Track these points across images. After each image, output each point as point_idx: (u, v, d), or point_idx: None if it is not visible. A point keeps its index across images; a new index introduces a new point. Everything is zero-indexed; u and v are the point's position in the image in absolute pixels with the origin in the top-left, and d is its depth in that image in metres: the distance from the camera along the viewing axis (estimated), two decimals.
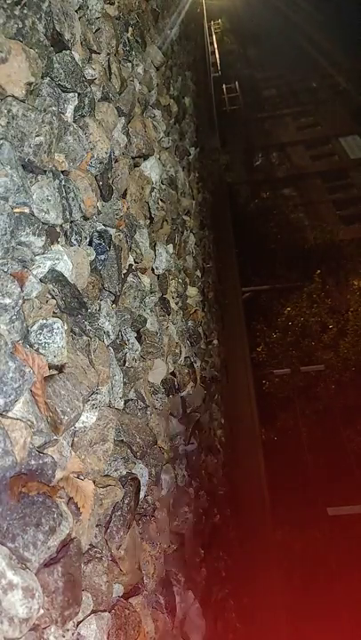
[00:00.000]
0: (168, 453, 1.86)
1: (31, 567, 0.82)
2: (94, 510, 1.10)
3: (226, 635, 2.72)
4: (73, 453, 1.08)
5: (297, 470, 10.98)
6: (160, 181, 2.35)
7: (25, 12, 1.11)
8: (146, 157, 2.11)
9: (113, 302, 1.51)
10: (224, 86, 18.61)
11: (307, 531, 10.53)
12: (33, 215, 1.07)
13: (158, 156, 2.40)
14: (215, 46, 17.54)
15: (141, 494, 1.47)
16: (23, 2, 1.08)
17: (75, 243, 1.27)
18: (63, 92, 1.28)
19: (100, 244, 1.41)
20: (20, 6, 1.08)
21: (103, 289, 1.44)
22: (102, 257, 1.44)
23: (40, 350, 0.99)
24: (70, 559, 0.93)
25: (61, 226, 1.20)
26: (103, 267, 1.46)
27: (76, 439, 1.12)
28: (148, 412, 1.69)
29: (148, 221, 2.09)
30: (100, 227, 1.46)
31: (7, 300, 0.88)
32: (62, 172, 1.24)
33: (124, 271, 1.68)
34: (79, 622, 0.97)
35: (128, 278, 1.70)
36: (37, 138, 1.08)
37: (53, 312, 1.07)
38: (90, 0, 1.58)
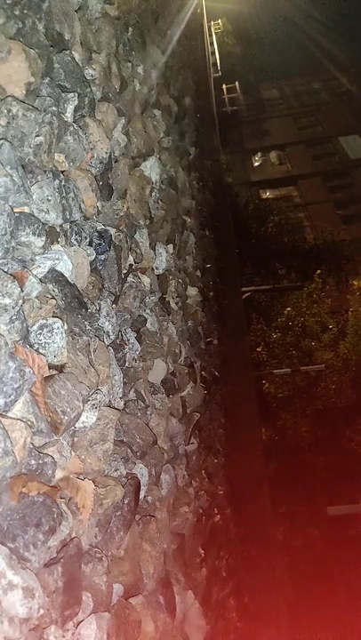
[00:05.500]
0: (168, 453, 1.86)
1: (31, 567, 0.82)
2: (94, 510, 1.10)
3: (226, 635, 2.72)
4: (73, 453, 1.08)
5: (297, 470, 10.99)
6: (160, 181, 2.35)
7: (25, 11, 1.11)
8: (146, 157, 2.11)
9: (113, 302, 1.51)
10: (224, 86, 18.62)
11: (307, 530, 10.53)
12: (33, 215, 1.07)
13: (158, 156, 2.40)
14: (215, 46, 17.54)
15: (141, 494, 1.47)
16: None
17: (75, 243, 1.27)
18: (63, 92, 1.28)
19: (100, 243, 1.41)
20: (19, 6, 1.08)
21: (103, 289, 1.44)
22: (102, 257, 1.44)
23: (40, 350, 0.99)
24: (70, 559, 0.93)
25: (61, 226, 1.20)
26: (103, 267, 1.46)
27: (76, 439, 1.12)
28: (148, 412, 1.69)
29: (148, 221, 2.09)
30: (100, 227, 1.46)
31: (7, 300, 0.88)
32: (62, 172, 1.24)
33: (124, 271, 1.68)
34: (79, 622, 0.97)
35: (128, 278, 1.70)
36: (37, 138, 1.08)
37: (53, 312, 1.07)
38: (90, 0, 1.59)
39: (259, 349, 12.29)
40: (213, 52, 17.07)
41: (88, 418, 1.16)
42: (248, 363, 7.90)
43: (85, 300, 1.28)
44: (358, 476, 10.37)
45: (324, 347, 11.79)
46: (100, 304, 1.37)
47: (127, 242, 1.70)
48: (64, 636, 0.90)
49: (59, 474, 0.99)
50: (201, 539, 2.38)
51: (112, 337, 1.41)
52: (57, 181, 1.16)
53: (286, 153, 22.25)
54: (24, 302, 0.98)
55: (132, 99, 1.99)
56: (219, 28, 19.99)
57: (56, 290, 1.10)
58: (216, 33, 19.03)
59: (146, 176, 2.08)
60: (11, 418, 0.86)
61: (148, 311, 1.90)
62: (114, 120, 1.63)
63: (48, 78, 1.22)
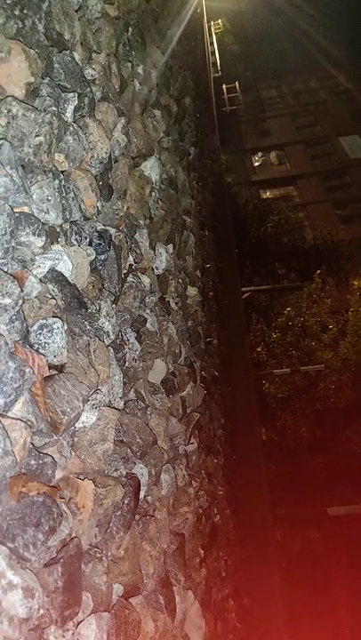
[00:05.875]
0: (168, 453, 1.86)
1: (31, 567, 0.82)
2: (94, 510, 1.10)
3: (226, 635, 2.72)
4: (73, 453, 1.08)
5: (297, 470, 10.99)
6: (160, 181, 2.35)
7: (25, 11, 1.11)
8: (146, 157, 2.11)
9: (113, 302, 1.51)
10: (224, 86, 18.60)
11: (307, 530, 10.54)
12: (33, 215, 1.07)
13: (158, 156, 2.40)
14: (215, 46, 17.52)
15: (141, 494, 1.47)
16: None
17: (75, 243, 1.27)
18: (63, 92, 1.28)
19: (100, 243, 1.41)
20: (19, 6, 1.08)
21: (103, 289, 1.44)
22: (102, 257, 1.44)
23: (40, 350, 0.99)
24: (70, 559, 0.93)
25: (61, 226, 1.20)
26: (103, 267, 1.46)
27: (75, 439, 1.12)
28: (148, 412, 1.69)
29: (148, 221, 2.09)
30: (100, 227, 1.46)
31: (7, 300, 0.88)
32: (62, 172, 1.24)
33: (124, 271, 1.68)
34: (79, 622, 0.97)
35: (128, 278, 1.70)
36: (37, 138, 1.08)
37: (53, 312, 1.07)
38: (90, 0, 1.59)
39: (259, 349, 12.31)
40: (213, 52, 17.05)
41: (88, 418, 1.16)
42: (248, 363, 7.90)
43: (85, 299, 1.28)
44: (359, 477, 10.37)
45: (324, 347, 11.80)
46: (100, 304, 1.37)
47: (127, 242, 1.70)
48: (64, 636, 0.90)
49: (59, 474, 0.99)
50: (201, 539, 2.39)
51: (112, 337, 1.41)
52: (57, 181, 1.16)
53: (286, 153, 22.27)
54: (24, 302, 0.98)
55: (132, 99, 1.99)
56: (219, 28, 19.97)
57: (56, 290, 1.10)
58: (216, 33, 19.01)
59: (146, 176, 2.08)
60: (11, 418, 0.86)
61: (148, 311, 1.90)
62: (114, 120, 1.63)
63: (48, 78, 1.22)
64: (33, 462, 0.90)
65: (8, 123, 1.03)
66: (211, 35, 17.51)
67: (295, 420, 11.52)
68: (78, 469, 1.09)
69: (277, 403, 11.75)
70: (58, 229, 1.18)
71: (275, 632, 4.96)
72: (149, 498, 1.58)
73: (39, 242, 1.06)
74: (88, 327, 1.23)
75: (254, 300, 12.70)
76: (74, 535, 1.00)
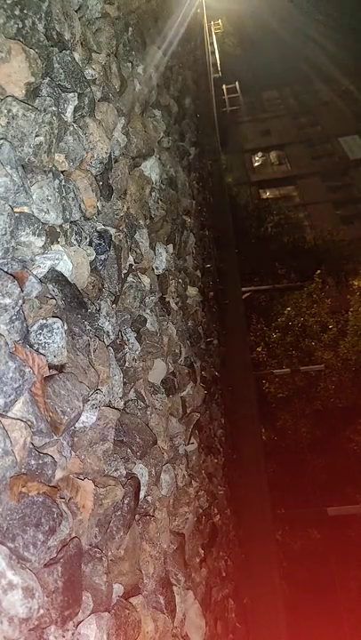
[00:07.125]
0: (168, 453, 1.86)
1: (31, 567, 0.82)
2: (94, 510, 1.10)
3: (226, 635, 2.72)
4: (73, 453, 1.08)
5: (297, 470, 10.99)
6: (160, 181, 2.35)
7: (25, 11, 1.11)
8: (146, 157, 2.11)
9: (113, 302, 1.51)
10: (224, 87, 18.61)
11: (307, 530, 10.54)
12: (33, 215, 1.07)
13: (158, 156, 2.40)
14: (215, 47, 17.53)
15: (141, 494, 1.47)
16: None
17: (75, 243, 1.27)
18: (63, 92, 1.28)
19: (100, 244, 1.41)
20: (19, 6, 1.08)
21: (103, 289, 1.44)
22: (102, 257, 1.44)
23: (40, 350, 0.99)
24: (70, 559, 0.93)
25: (61, 226, 1.20)
26: (103, 267, 1.46)
27: (76, 439, 1.12)
28: (148, 412, 1.69)
29: (148, 221, 2.09)
30: (100, 227, 1.46)
31: (7, 300, 0.88)
32: (62, 171, 1.24)
33: (124, 271, 1.68)
34: (79, 622, 0.97)
35: (128, 278, 1.70)
36: (37, 138, 1.08)
37: (53, 312, 1.07)
38: (90, 0, 1.59)
39: (259, 349, 12.31)
40: (213, 52, 17.06)
41: (88, 418, 1.16)
42: (248, 363, 7.90)
43: (85, 299, 1.28)
44: (359, 477, 10.38)
45: (324, 347, 11.80)
46: (100, 304, 1.37)
47: (127, 242, 1.70)
48: (64, 636, 0.90)
49: (59, 474, 0.99)
50: (201, 539, 2.39)
51: (112, 337, 1.41)
52: (57, 181, 1.16)
53: (286, 153, 22.27)
54: (24, 302, 0.98)
55: (132, 99, 1.99)
56: (219, 29, 19.98)
57: (56, 290, 1.10)
58: (216, 33, 19.02)
59: (146, 176, 2.08)
60: (11, 418, 0.86)
61: (148, 311, 1.90)
62: (114, 120, 1.63)
63: (48, 78, 1.22)
64: (33, 462, 0.90)
65: (8, 123, 1.03)
66: (211, 35, 17.53)
67: (295, 420, 11.51)
68: (78, 469, 1.09)
69: (277, 403, 11.75)
70: (58, 229, 1.18)
71: (275, 632, 4.96)
72: (149, 498, 1.58)
73: (39, 242, 1.06)
74: (88, 327, 1.23)
75: (254, 300, 12.71)
76: (74, 535, 1.00)
